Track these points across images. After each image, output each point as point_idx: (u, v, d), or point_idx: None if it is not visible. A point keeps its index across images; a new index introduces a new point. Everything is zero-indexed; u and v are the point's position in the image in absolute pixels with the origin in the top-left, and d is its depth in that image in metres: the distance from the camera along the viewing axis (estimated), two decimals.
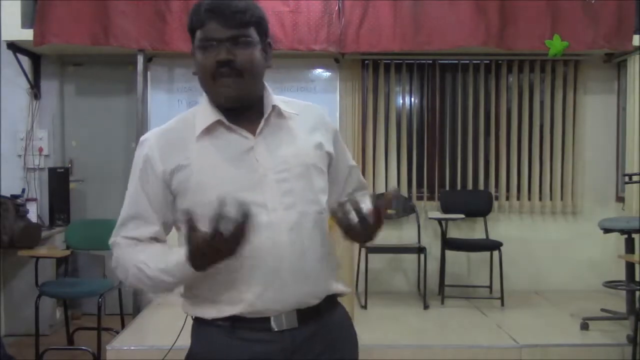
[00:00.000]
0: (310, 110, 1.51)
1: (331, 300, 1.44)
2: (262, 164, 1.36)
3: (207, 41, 1.34)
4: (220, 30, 1.33)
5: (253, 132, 1.39)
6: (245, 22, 1.34)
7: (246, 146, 1.38)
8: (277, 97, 1.46)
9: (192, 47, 1.40)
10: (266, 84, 1.45)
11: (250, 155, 1.37)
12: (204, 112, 1.40)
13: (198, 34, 1.36)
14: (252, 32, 1.36)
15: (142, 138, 1.44)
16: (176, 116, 1.48)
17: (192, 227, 1.19)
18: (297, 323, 1.36)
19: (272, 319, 1.35)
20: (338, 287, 1.45)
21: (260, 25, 1.39)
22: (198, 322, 1.42)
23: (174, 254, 1.31)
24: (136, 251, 1.39)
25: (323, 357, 1.39)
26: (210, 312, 1.37)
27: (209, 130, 1.38)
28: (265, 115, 1.40)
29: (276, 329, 1.35)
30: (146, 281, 1.36)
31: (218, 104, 1.39)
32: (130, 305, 4.55)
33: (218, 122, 1.39)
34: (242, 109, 1.39)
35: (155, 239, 1.42)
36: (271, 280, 1.32)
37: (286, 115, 1.44)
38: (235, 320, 1.35)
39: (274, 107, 1.42)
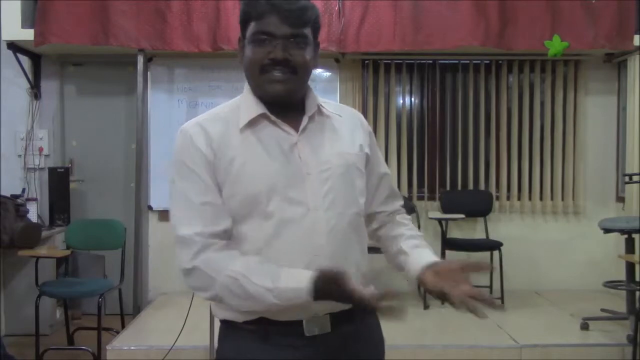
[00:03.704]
0: (349, 112, 1.50)
1: None
2: (306, 161, 1.34)
3: (263, 34, 1.30)
4: (280, 26, 1.29)
5: (295, 129, 1.36)
6: (304, 21, 1.31)
7: (289, 142, 1.34)
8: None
9: (240, 38, 1.37)
10: (309, 84, 1.42)
11: (294, 152, 1.34)
12: (248, 104, 1.36)
13: (253, 25, 1.32)
14: (308, 32, 1.34)
15: (182, 128, 1.36)
16: (219, 105, 1.42)
17: (347, 287, 1.18)
18: (330, 327, 1.32)
19: (304, 322, 1.31)
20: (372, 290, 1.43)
21: (316, 25, 1.36)
22: (227, 325, 1.37)
23: (284, 276, 1.24)
24: (227, 257, 1.28)
25: (352, 357, 1.36)
26: (241, 315, 1.32)
27: (252, 123, 1.35)
28: (310, 113, 1.38)
29: (308, 334, 1.31)
30: (242, 295, 1.25)
31: (264, 97, 1.35)
32: (130, 305, 4.55)
33: (262, 116, 1.35)
34: (286, 106, 1.36)
35: (228, 235, 1.31)
36: None
37: (329, 115, 1.42)
38: (267, 324, 1.31)
39: (318, 106, 1.40)
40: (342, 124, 1.43)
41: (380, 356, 1.47)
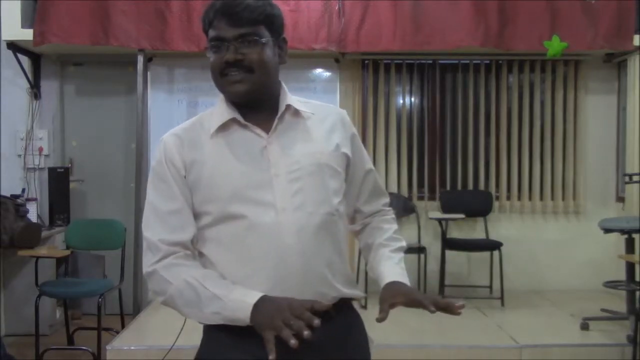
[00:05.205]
0: (328, 111, 1.50)
1: (344, 305, 1.41)
2: (274, 163, 1.35)
3: (216, 41, 1.34)
4: (228, 30, 1.33)
5: (267, 131, 1.38)
6: (253, 20, 1.33)
7: (259, 144, 1.37)
8: (295, 97, 1.45)
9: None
10: (283, 83, 1.44)
11: (264, 153, 1.36)
12: (220, 111, 1.40)
13: (209, 33, 1.36)
14: (262, 30, 1.35)
15: (162, 137, 1.43)
16: (194, 116, 1.48)
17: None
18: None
19: None
20: (352, 291, 1.42)
21: (272, 22, 1.37)
22: (208, 328, 1.39)
23: (237, 290, 1.28)
24: (188, 265, 1.34)
25: (332, 357, 1.36)
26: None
27: (223, 128, 1.38)
28: (279, 114, 1.39)
29: None
30: (191, 300, 1.30)
31: (231, 100, 1.39)
32: (130, 305, 4.55)
33: (232, 120, 1.38)
34: (258, 107, 1.39)
35: (192, 244, 1.38)
36: (277, 283, 1.30)
37: (302, 114, 1.43)
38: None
39: (287, 106, 1.41)
40: (317, 124, 1.44)
41: (365, 355, 1.47)
